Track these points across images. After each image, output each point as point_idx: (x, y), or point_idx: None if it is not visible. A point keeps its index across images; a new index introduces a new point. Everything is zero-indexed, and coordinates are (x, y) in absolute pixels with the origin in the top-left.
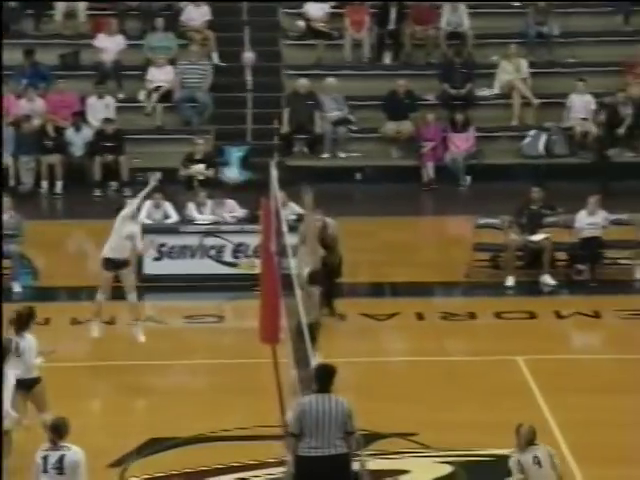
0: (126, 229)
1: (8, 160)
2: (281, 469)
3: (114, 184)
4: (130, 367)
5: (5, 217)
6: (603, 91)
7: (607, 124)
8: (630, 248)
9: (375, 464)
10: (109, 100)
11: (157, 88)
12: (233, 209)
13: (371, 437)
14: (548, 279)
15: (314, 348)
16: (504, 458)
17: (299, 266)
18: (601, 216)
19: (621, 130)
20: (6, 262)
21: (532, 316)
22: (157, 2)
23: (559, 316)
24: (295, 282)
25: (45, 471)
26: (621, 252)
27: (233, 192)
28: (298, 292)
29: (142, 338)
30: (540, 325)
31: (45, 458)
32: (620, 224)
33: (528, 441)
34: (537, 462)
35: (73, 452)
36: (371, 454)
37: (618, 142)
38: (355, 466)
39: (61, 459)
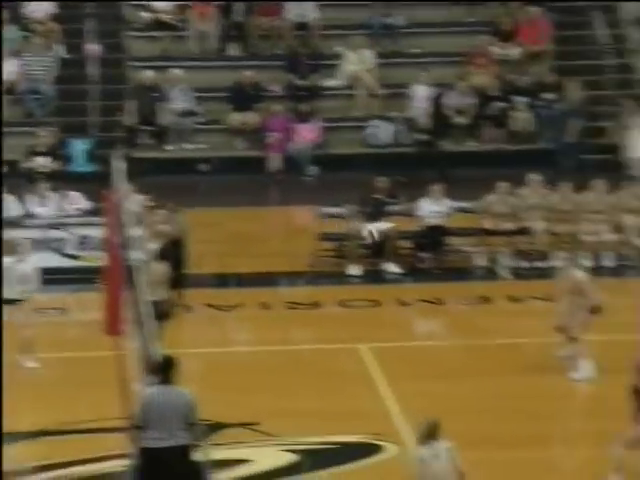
0: (17, 273)
1: None
2: (125, 461)
3: None
4: None
5: None
6: (446, 81)
7: (435, 114)
8: (471, 235)
9: (218, 454)
10: None
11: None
12: (77, 202)
13: (215, 427)
14: (392, 267)
15: (162, 326)
16: (347, 445)
17: (144, 244)
18: (445, 204)
19: (461, 120)
20: None
21: (376, 304)
22: None
23: (403, 303)
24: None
25: None
26: (463, 239)
27: (78, 184)
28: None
29: (32, 364)
30: (384, 313)
31: None
32: (463, 212)
33: (429, 435)
34: (435, 456)
35: None
36: (214, 444)
37: (452, 131)
38: (197, 456)
39: None
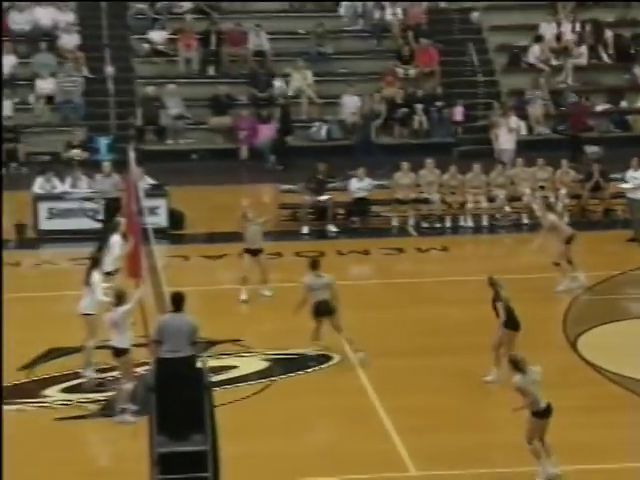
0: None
1: None
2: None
3: (14, 165)
4: None
5: None
6: (366, 93)
7: (363, 118)
8: (387, 204)
9: (213, 362)
10: (7, 102)
11: (43, 94)
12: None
13: (210, 343)
14: (332, 227)
15: None
16: (305, 355)
17: None
18: (367, 182)
19: (378, 121)
20: None
21: (321, 254)
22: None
23: (340, 254)
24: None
25: None
26: (381, 207)
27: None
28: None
29: None
30: (327, 260)
31: None
32: (382, 187)
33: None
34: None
35: None
36: (210, 355)
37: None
38: (199, 364)
39: None
